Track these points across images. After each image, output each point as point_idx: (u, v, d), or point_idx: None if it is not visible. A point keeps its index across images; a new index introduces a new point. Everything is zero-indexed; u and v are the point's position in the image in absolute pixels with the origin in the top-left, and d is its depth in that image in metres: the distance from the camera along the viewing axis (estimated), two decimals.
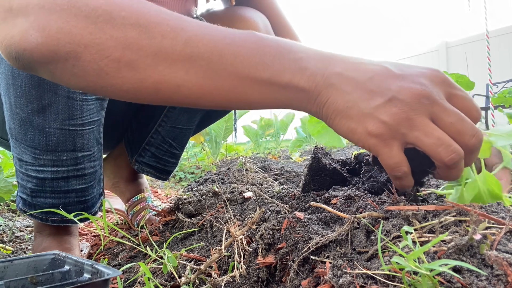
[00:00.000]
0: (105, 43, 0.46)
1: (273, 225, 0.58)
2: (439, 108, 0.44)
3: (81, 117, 0.78)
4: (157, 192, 2.13)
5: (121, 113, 1.16)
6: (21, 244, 1.15)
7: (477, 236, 0.39)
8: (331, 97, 0.46)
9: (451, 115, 0.44)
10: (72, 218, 0.62)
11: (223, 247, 0.58)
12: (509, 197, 0.52)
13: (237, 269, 0.54)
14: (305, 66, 0.46)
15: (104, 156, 1.25)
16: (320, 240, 0.49)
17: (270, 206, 0.73)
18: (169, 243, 0.86)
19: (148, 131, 1.17)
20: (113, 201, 1.29)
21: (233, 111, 1.32)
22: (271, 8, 1.10)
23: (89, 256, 0.98)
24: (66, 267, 0.55)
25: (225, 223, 0.78)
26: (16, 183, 1.57)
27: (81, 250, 0.97)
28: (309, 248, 0.49)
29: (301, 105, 0.49)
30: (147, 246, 0.81)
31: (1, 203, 1.64)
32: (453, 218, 0.45)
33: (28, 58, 0.48)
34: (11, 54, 0.48)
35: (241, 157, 2.67)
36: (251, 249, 0.57)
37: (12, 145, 0.80)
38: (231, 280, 0.56)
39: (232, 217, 0.79)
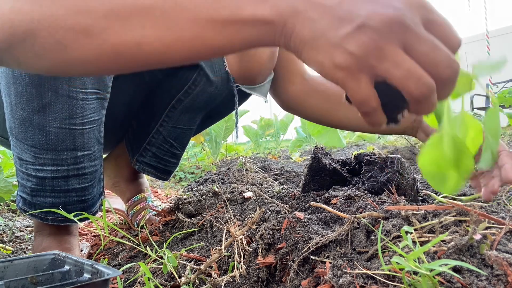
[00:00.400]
0: (56, 13, 0.44)
1: (273, 225, 0.58)
2: (412, 36, 0.39)
3: (81, 116, 0.78)
4: (157, 192, 2.13)
5: (122, 113, 1.16)
6: (21, 244, 1.15)
7: (477, 236, 0.39)
8: (297, 26, 0.41)
9: (424, 43, 0.39)
10: (72, 217, 0.62)
11: (223, 247, 0.58)
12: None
13: (237, 269, 0.54)
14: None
15: (104, 155, 1.25)
16: (320, 240, 0.49)
17: (270, 206, 0.73)
18: (169, 243, 0.86)
19: (149, 131, 1.17)
20: (113, 201, 1.29)
21: (234, 111, 1.32)
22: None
23: (89, 256, 0.98)
24: (66, 267, 0.55)
25: (225, 223, 0.78)
26: (16, 183, 1.58)
27: (81, 250, 0.97)
28: (309, 248, 0.49)
29: (269, 40, 0.44)
30: (147, 246, 0.81)
31: (1, 203, 1.64)
32: (453, 218, 0.45)
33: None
34: None
35: (241, 157, 2.67)
36: (251, 249, 0.57)
37: (12, 144, 0.80)
38: (231, 280, 0.56)
39: (232, 217, 0.79)
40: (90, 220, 0.90)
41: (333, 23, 0.40)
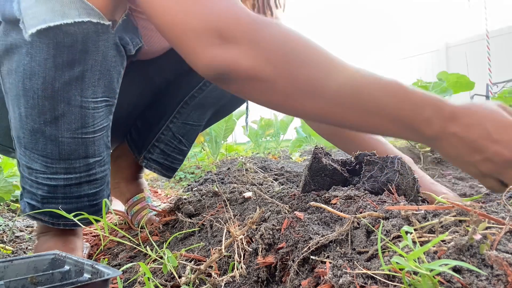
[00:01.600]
0: (296, 78, 0.63)
1: (273, 225, 0.58)
2: None
3: (92, 125, 0.77)
4: (157, 192, 2.13)
5: (127, 114, 1.16)
6: (21, 244, 1.15)
7: (477, 236, 0.39)
8: (444, 147, 0.65)
9: None
10: (77, 221, 0.62)
11: (223, 247, 0.58)
12: None
13: (237, 269, 0.54)
14: (432, 121, 0.63)
15: None
16: (320, 240, 0.49)
17: (270, 206, 0.73)
18: (169, 243, 0.86)
19: (159, 128, 1.18)
20: (112, 203, 1.29)
21: (245, 107, 1.34)
22: None
23: (89, 256, 0.98)
24: (66, 267, 0.55)
25: (225, 223, 0.78)
26: (16, 183, 1.57)
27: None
28: (309, 248, 0.49)
29: (420, 141, 0.73)
30: (147, 246, 0.81)
31: (1, 203, 1.64)
32: (453, 218, 0.45)
33: (233, 77, 0.64)
34: (217, 71, 0.64)
35: (241, 157, 2.67)
36: (251, 249, 0.57)
37: (19, 153, 0.79)
38: (231, 280, 0.56)
39: (232, 217, 0.79)
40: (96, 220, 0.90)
41: (468, 152, 0.64)
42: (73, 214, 0.62)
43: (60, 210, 0.63)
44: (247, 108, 1.36)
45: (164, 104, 1.19)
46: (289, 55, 0.64)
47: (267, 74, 0.63)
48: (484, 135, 0.62)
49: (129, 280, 0.71)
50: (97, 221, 0.62)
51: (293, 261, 0.50)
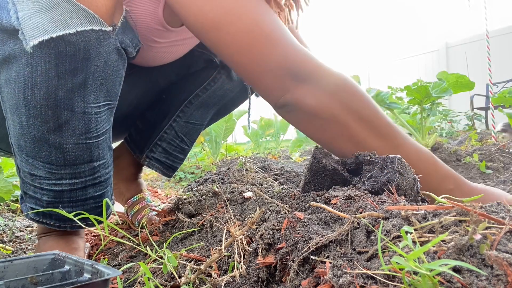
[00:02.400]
0: (346, 125, 0.76)
1: (273, 225, 0.58)
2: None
3: (96, 129, 0.77)
4: (157, 192, 2.13)
5: (128, 114, 1.17)
6: (21, 244, 1.15)
7: (477, 236, 0.39)
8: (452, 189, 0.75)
9: None
10: (79, 222, 0.62)
11: (223, 247, 0.58)
12: None
13: (237, 269, 0.54)
14: (454, 194, 0.71)
15: None
16: (320, 240, 0.49)
17: (270, 206, 0.73)
18: (169, 243, 0.86)
19: (162, 126, 1.19)
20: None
21: (248, 107, 1.35)
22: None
23: (89, 256, 0.98)
24: (66, 267, 0.55)
25: (225, 223, 0.78)
26: (17, 183, 1.57)
27: None
28: (309, 248, 0.49)
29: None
30: (147, 246, 0.81)
31: (1, 203, 1.64)
32: (453, 218, 0.45)
33: (298, 109, 0.77)
34: (286, 104, 0.78)
35: (241, 157, 2.67)
36: (251, 249, 0.57)
37: (20, 160, 0.77)
38: (231, 280, 0.56)
39: (232, 217, 0.79)
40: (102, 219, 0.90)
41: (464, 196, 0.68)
42: (73, 214, 0.62)
43: (60, 210, 0.63)
44: (249, 108, 1.36)
45: (167, 103, 1.20)
46: (347, 102, 0.76)
47: (326, 115, 0.76)
48: (486, 197, 0.70)
49: (129, 280, 0.71)
50: (98, 221, 0.62)
51: (293, 261, 0.50)
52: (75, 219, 0.61)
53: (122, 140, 1.28)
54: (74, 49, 0.67)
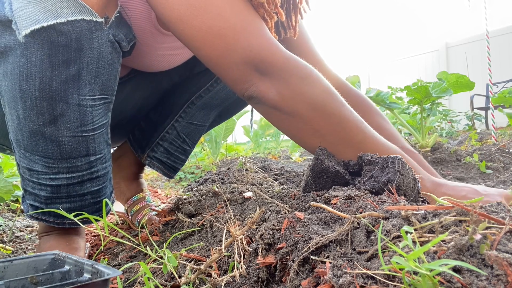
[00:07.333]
0: (313, 121, 0.76)
1: (273, 225, 0.58)
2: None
3: (91, 123, 0.77)
4: (157, 192, 2.13)
5: (132, 116, 1.17)
6: (21, 244, 1.15)
7: (477, 236, 0.39)
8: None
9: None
10: (76, 222, 0.62)
11: (223, 247, 0.58)
12: None
13: (237, 269, 0.54)
14: (424, 185, 0.73)
15: None
16: (320, 240, 0.49)
17: (270, 206, 0.73)
18: (169, 243, 0.86)
19: (164, 126, 1.20)
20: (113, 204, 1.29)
21: (250, 109, 1.36)
22: (312, 55, 1.08)
23: (89, 256, 0.98)
24: (66, 267, 0.55)
25: (225, 223, 0.78)
26: (17, 183, 1.57)
27: None
28: (309, 248, 0.49)
29: None
30: (147, 246, 0.81)
31: (1, 203, 1.64)
32: (453, 218, 0.45)
33: (262, 103, 0.77)
34: (251, 96, 0.77)
35: (241, 157, 2.67)
36: (251, 249, 0.57)
37: (19, 155, 0.78)
38: (231, 280, 0.56)
39: (232, 217, 0.79)
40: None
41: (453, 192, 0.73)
42: (73, 214, 0.62)
43: (61, 210, 0.63)
44: (252, 110, 1.37)
45: (170, 103, 1.20)
46: (310, 97, 0.75)
47: (289, 110, 0.76)
48: (471, 191, 0.72)
49: (129, 280, 0.71)
50: (97, 220, 0.62)
51: (293, 261, 0.50)
52: (70, 216, 0.61)
53: (126, 140, 1.28)
54: (66, 39, 0.68)
